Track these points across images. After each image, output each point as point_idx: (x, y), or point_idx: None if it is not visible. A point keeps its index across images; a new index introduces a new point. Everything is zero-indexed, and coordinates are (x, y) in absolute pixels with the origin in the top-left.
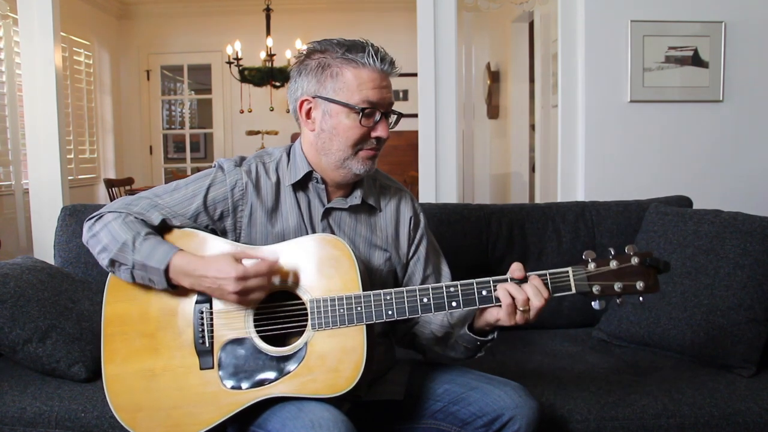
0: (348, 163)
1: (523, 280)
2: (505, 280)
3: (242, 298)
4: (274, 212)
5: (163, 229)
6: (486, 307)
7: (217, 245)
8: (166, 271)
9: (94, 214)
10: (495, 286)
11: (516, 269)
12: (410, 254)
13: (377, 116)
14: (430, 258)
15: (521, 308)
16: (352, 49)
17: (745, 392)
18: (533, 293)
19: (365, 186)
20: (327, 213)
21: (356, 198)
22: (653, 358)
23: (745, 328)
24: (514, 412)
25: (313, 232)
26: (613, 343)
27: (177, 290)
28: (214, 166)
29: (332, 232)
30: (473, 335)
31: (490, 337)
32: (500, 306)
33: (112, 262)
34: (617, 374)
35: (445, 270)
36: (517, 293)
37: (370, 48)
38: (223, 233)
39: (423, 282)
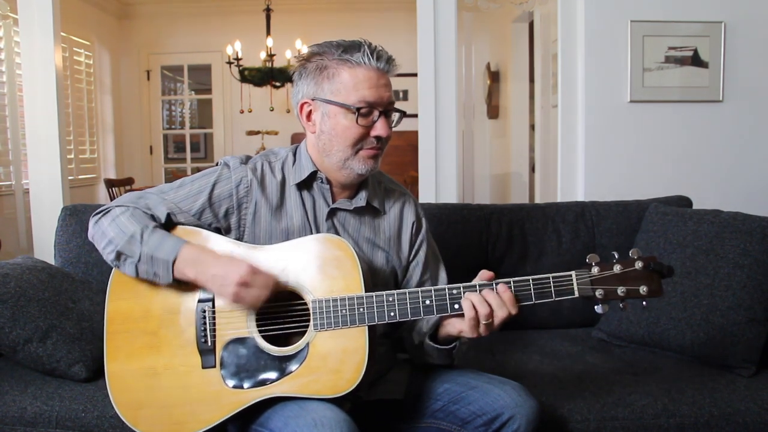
0: (349, 164)
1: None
2: (508, 283)
3: (240, 299)
4: (279, 211)
5: (167, 226)
6: (449, 318)
7: (220, 244)
8: (174, 262)
9: (101, 209)
10: (496, 288)
11: (484, 277)
12: (411, 258)
13: (375, 115)
14: (429, 263)
15: (484, 321)
16: (349, 49)
17: (745, 392)
18: (497, 305)
19: (370, 188)
20: (332, 213)
21: (361, 200)
22: (653, 358)
23: (744, 328)
24: (514, 411)
25: (317, 231)
26: (613, 343)
27: (180, 286)
28: (219, 164)
29: (336, 233)
30: (434, 344)
31: (451, 345)
32: (462, 318)
33: (118, 255)
34: (617, 374)
35: (443, 276)
36: (481, 307)
37: (366, 47)
38: (226, 231)
39: (419, 286)
